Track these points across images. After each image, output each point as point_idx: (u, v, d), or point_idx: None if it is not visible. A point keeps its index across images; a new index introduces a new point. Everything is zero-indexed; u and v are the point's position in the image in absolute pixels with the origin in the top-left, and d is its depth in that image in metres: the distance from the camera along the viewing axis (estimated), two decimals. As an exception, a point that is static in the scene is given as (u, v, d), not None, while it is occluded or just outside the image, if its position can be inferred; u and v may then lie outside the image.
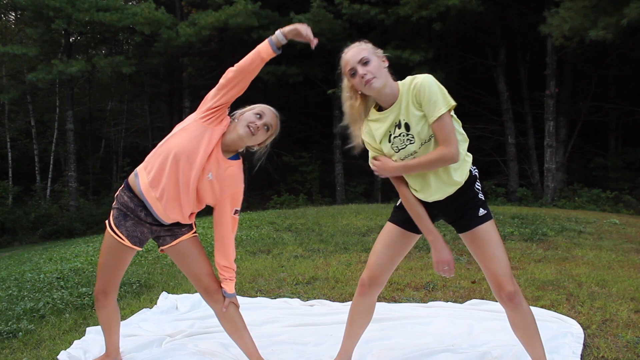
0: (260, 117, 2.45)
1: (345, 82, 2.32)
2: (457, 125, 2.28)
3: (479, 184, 2.37)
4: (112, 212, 2.51)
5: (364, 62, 2.20)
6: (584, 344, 2.84)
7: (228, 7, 13.99)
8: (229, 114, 2.50)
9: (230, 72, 2.36)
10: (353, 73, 2.22)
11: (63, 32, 15.83)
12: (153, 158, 2.43)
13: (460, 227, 2.35)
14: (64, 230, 14.85)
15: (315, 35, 2.34)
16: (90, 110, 21.63)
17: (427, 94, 2.16)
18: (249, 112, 2.47)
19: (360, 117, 2.33)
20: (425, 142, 2.22)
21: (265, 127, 2.46)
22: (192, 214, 2.52)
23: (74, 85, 17.09)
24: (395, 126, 2.25)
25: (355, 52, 2.23)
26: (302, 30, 2.29)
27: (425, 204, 2.34)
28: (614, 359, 2.68)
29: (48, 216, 15.52)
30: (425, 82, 2.17)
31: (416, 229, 2.39)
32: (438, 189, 2.28)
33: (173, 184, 2.37)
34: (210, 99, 2.40)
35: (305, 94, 17.67)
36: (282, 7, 15.19)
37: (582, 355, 2.72)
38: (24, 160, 19.37)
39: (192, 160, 2.36)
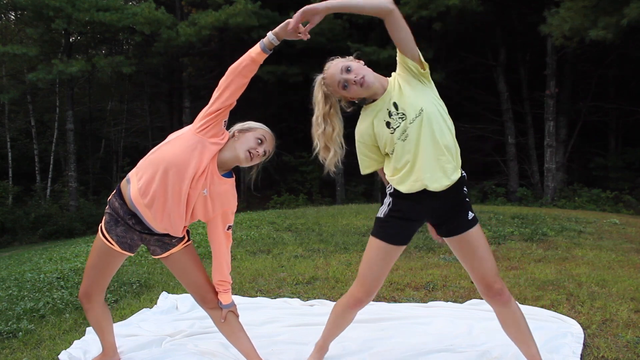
0: (262, 142, 2.40)
1: (321, 108, 2.35)
2: (443, 107, 2.28)
3: (466, 187, 2.38)
4: (104, 216, 2.49)
5: (347, 70, 2.25)
6: (584, 344, 2.84)
7: (228, 7, 13.99)
8: (226, 128, 2.42)
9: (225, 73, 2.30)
10: (345, 85, 2.25)
11: (63, 32, 15.84)
12: (144, 164, 2.38)
13: (450, 230, 2.34)
14: (64, 230, 14.86)
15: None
16: (90, 110, 21.65)
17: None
18: (251, 135, 2.40)
19: (336, 136, 2.33)
20: (417, 116, 2.20)
21: (264, 152, 2.43)
22: (183, 227, 2.48)
23: (74, 85, 17.10)
24: (388, 112, 2.26)
25: (334, 67, 2.29)
26: (292, 23, 2.18)
27: (419, 199, 2.28)
28: (614, 359, 2.68)
29: (48, 216, 15.52)
30: None
31: (403, 241, 2.37)
32: (433, 175, 2.22)
33: (162, 193, 2.33)
34: (209, 104, 2.32)
35: (305, 94, 17.51)
36: (282, 7, 15.18)
37: (582, 355, 2.72)
38: (24, 160, 19.37)
39: (183, 172, 2.30)
